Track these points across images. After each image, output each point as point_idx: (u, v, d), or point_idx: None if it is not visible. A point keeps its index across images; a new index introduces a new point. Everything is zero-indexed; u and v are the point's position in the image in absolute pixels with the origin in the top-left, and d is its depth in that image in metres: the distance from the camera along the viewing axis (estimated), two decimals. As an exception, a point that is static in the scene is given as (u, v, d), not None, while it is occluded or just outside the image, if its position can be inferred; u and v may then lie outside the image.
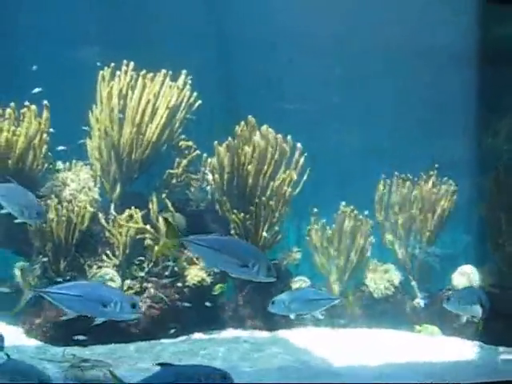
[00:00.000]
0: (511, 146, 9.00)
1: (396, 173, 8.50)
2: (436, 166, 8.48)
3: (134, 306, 3.63)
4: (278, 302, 4.85)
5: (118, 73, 7.43)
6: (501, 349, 6.96)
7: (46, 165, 7.28)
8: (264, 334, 7.26)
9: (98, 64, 7.45)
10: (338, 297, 4.82)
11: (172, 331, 6.81)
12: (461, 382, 5.24)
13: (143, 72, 7.46)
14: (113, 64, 7.49)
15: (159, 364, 3.47)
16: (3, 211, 5.11)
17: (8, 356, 3.89)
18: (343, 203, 8.16)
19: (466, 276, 7.79)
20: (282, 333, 7.31)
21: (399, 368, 5.96)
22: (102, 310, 3.64)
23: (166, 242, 3.70)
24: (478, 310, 4.64)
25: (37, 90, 7.09)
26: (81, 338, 6.10)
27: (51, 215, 6.68)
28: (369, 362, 6.13)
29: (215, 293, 7.29)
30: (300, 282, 7.79)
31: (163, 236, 6.52)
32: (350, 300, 6.80)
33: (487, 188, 8.21)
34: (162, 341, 6.73)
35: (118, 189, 7.52)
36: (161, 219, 6.26)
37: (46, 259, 6.78)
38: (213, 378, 3.44)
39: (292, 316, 5.65)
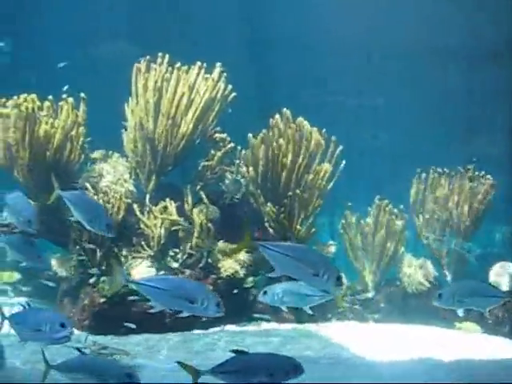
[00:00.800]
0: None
1: (433, 167, 8.37)
2: (474, 160, 8.33)
3: (218, 304, 3.73)
4: (270, 293, 4.74)
5: (153, 65, 7.47)
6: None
7: (82, 156, 7.37)
8: (296, 327, 7.23)
9: (141, 59, 7.49)
10: (330, 294, 4.63)
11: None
12: (504, 381, 5.13)
13: (178, 65, 7.48)
14: (148, 57, 7.54)
15: (234, 351, 3.58)
16: (72, 219, 5.19)
17: (80, 351, 3.89)
18: (378, 197, 8.09)
19: (503, 271, 7.64)
20: (314, 326, 7.28)
21: (433, 366, 5.86)
22: (189, 306, 3.74)
23: (241, 245, 3.72)
24: (479, 302, 4.43)
25: (66, 87, 7.17)
26: (131, 325, 6.18)
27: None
28: (404, 357, 6.06)
29: (247, 285, 7.29)
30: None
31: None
32: (341, 299, 6.69)
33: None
34: (195, 331, 6.76)
35: (153, 180, 7.57)
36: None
37: (82, 250, 6.88)
38: (285, 369, 3.52)
39: (284, 308, 5.72)
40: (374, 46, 9.62)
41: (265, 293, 4.72)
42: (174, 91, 7.40)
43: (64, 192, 4.93)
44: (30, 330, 3.90)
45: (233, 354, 3.59)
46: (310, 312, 5.03)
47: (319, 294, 4.67)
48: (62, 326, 3.83)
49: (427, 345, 6.66)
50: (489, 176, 8.25)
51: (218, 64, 7.71)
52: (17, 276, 7.77)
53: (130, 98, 7.64)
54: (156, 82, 7.40)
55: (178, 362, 3.62)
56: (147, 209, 7.23)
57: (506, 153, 9.43)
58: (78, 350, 3.87)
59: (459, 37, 9.63)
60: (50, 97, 7.20)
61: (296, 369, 3.56)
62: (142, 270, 6.85)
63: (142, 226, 7.17)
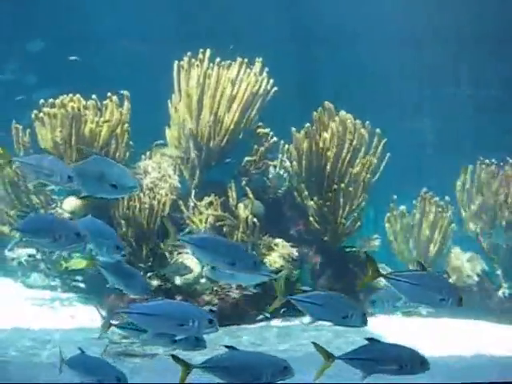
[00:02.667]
0: None
1: (480, 158, 8.19)
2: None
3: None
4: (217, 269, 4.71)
5: (194, 62, 7.51)
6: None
7: (127, 154, 7.46)
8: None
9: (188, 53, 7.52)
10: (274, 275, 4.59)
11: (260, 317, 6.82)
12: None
13: (218, 60, 7.49)
14: (189, 53, 7.58)
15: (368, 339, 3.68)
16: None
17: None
18: (424, 189, 7.95)
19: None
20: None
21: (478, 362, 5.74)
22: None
23: (368, 277, 3.81)
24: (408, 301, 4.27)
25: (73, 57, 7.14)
26: None
27: (134, 203, 6.86)
28: (451, 352, 5.96)
29: (293, 279, 7.26)
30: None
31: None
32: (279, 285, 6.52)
33: None
34: (243, 326, 6.77)
35: (197, 176, 7.61)
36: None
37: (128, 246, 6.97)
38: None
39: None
40: (422, 33, 9.47)
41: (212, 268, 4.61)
42: (215, 87, 7.43)
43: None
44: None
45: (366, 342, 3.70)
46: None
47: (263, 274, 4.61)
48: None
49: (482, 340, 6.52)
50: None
51: (260, 59, 7.70)
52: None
53: (172, 95, 7.71)
54: (198, 78, 7.44)
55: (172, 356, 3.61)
56: (192, 204, 7.28)
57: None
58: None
59: (494, 23, 9.42)
60: (94, 96, 7.31)
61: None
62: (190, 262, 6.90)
63: (187, 221, 7.22)
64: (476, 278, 7.71)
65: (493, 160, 8.18)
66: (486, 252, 8.05)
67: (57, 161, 4.27)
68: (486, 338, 6.72)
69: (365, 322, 3.95)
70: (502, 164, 8.17)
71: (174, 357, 3.55)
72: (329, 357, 3.67)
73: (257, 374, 3.52)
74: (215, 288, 6.81)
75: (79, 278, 7.39)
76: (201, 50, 7.54)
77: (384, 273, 3.75)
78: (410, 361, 3.63)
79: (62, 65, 8.97)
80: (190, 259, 6.98)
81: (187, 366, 3.52)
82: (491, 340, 6.62)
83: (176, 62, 7.64)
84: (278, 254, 7.25)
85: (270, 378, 3.52)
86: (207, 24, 9.67)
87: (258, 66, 7.74)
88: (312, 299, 3.93)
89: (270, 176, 7.76)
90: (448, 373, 5.26)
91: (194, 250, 4.05)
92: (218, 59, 7.52)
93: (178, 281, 6.86)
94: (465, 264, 7.81)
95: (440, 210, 7.89)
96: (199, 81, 7.44)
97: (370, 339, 3.69)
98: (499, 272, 7.91)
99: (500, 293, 7.73)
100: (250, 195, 7.28)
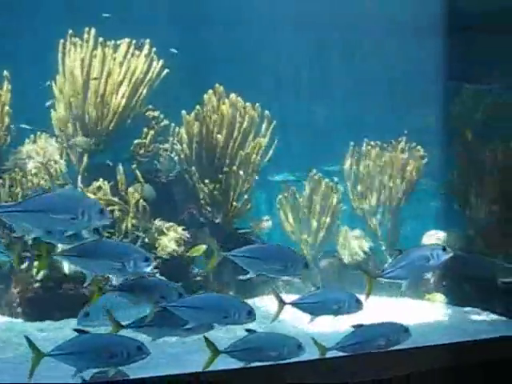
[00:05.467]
0: (478, 113, 9.06)
1: (366, 139, 8.51)
2: (405, 132, 8.51)
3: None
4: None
5: (79, 42, 7.25)
6: (468, 309, 7.11)
7: (8, 138, 7.12)
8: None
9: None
10: None
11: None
12: (430, 343, 5.31)
13: (101, 39, 7.26)
14: (70, 31, 7.30)
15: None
16: None
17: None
18: (313, 171, 8.17)
19: (434, 240, 7.89)
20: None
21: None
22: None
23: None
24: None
25: None
26: None
27: (17, 189, 6.56)
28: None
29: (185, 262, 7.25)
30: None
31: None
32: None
33: (455, 154, 8.29)
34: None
35: (85, 160, 7.39)
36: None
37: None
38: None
39: None
40: (309, 16, 9.60)
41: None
42: (101, 68, 7.22)
43: None
44: None
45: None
46: None
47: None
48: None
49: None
50: (419, 147, 8.46)
51: (147, 40, 7.55)
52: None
53: (57, 77, 7.41)
54: (83, 59, 7.19)
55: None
56: (80, 189, 7.07)
57: (438, 125, 9.64)
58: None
59: (391, 11, 9.72)
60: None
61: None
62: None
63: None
64: (363, 255, 8.05)
65: (377, 142, 8.53)
66: (372, 230, 8.42)
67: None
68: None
69: (307, 266, 4.13)
70: (386, 146, 8.53)
71: (207, 340, 3.79)
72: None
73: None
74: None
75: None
76: (86, 29, 7.28)
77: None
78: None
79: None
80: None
81: (216, 351, 3.75)
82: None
83: (61, 41, 7.34)
84: (170, 237, 7.22)
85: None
86: (94, 3, 9.33)
87: (146, 47, 7.58)
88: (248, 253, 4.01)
89: (161, 159, 7.68)
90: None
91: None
92: (101, 39, 7.28)
93: (66, 269, 6.66)
94: (352, 242, 8.12)
95: (329, 190, 8.14)
96: (84, 61, 7.19)
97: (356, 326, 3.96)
98: (384, 248, 8.30)
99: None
100: (140, 179, 7.17)
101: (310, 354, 3.87)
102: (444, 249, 4.15)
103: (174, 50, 7.56)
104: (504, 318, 6.98)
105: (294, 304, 4.20)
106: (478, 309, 7.22)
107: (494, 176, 7.74)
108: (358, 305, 4.18)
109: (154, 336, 4.01)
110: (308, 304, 4.22)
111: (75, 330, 3.64)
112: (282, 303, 4.11)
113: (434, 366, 4.45)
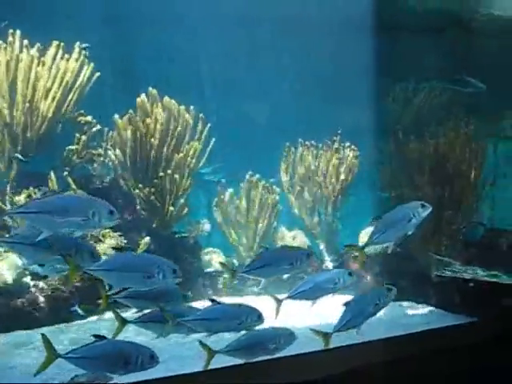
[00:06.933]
0: (408, 109, 9.32)
1: (300, 140, 8.60)
2: (339, 132, 8.64)
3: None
4: None
5: (2, 44, 6.98)
6: (405, 304, 7.28)
7: None
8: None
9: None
10: None
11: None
12: (371, 338, 5.40)
13: (26, 42, 7.01)
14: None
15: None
16: None
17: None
18: (250, 172, 8.19)
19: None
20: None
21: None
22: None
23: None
24: None
25: None
26: None
27: None
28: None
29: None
30: (211, 254, 7.79)
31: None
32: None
33: (387, 151, 8.48)
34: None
35: (14, 168, 7.13)
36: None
37: None
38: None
39: None
40: (242, 15, 9.60)
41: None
42: (29, 72, 6.98)
43: None
44: None
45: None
46: None
47: None
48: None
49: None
50: (353, 146, 8.61)
51: (77, 43, 7.37)
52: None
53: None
54: (8, 62, 6.93)
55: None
56: (9, 198, 6.81)
57: (371, 122, 9.81)
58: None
59: (321, 7, 9.82)
60: None
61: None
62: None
63: (5, 217, 6.74)
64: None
65: (312, 142, 8.63)
66: (309, 229, 8.51)
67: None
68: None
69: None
70: (321, 146, 8.65)
71: (201, 343, 3.97)
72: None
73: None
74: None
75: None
76: (10, 31, 7.02)
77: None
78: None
79: None
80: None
81: (211, 352, 3.96)
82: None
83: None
84: (107, 244, 7.06)
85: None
86: (20, 5, 9.03)
87: (76, 50, 7.40)
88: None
89: (95, 165, 7.51)
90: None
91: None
92: (26, 42, 7.03)
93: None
94: (291, 242, 8.18)
95: (266, 191, 8.18)
96: (9, 65, 6.93)
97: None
98: (322, 247, 8.41)
99: (324, 267, 8.21)
100: (73, 185, 6.98)
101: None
102: (423, 205, 4.34)
103: (86, 45, 7.36)
104: (438, 310, 7.19)
105: (291, 297, 4.41)
106: (413, 302, 7.41)
107: (425, 172, 7.96)
108: (351, 278, 4.42)
109: (158, 333, 4.09)
110: (304, 292, 4.42)
111: (93, 335, 3.69)
112: (279, 301, 4.37)
113: (372, 361, 4.55)
